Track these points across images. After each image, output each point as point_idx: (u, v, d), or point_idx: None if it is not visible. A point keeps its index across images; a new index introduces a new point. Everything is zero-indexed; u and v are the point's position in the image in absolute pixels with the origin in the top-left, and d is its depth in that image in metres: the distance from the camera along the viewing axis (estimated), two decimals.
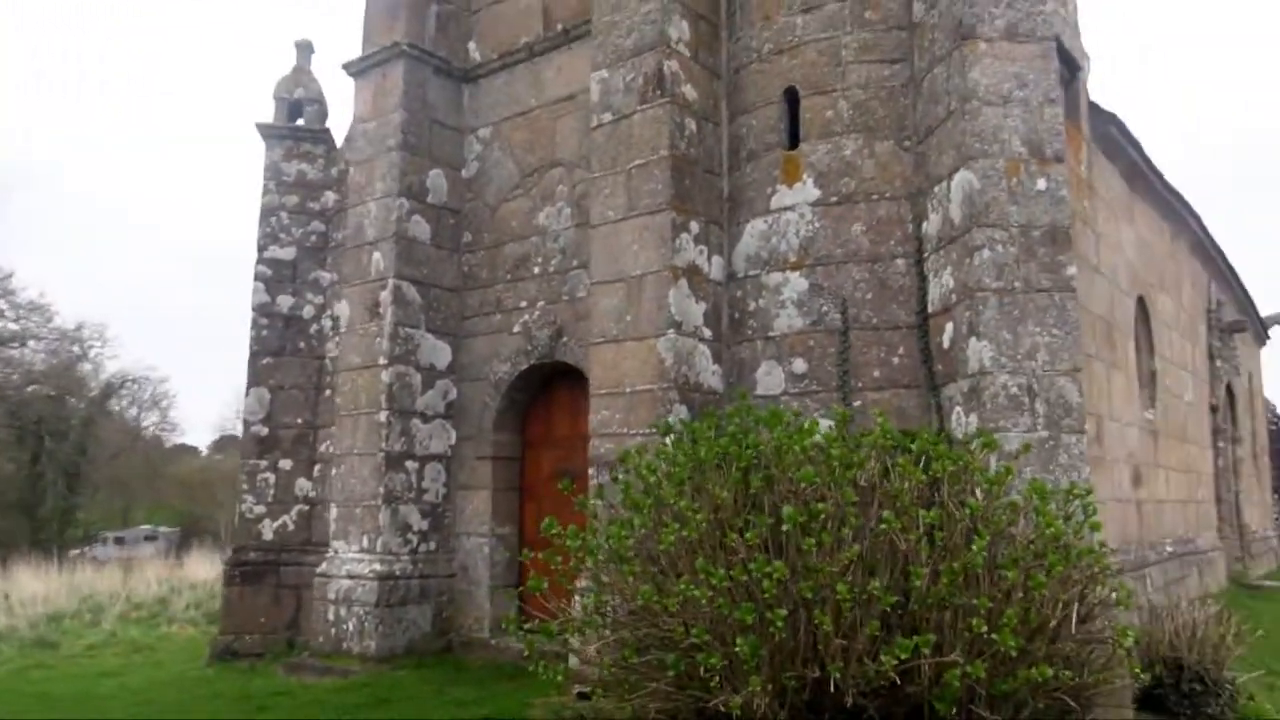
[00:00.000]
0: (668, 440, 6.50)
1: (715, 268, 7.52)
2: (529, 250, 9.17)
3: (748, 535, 4.74)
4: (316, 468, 10.83)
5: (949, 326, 6.37)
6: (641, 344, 7.15)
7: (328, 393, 10.90)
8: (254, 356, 11.00)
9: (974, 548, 4.53)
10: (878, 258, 6.88)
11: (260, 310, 11.06)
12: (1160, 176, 10.88)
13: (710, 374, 7.36)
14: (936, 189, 6.58)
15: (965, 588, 4.61)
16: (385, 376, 8.95)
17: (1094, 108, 8.57)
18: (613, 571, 5.51)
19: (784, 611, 4.52)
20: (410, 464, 9.05)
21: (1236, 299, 16.71)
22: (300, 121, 11.60)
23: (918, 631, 4.61)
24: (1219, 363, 14.54)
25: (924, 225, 6.77)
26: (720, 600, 4.72)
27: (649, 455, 5.74)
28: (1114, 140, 9.44)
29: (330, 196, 11.36)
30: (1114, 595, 5.01)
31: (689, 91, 7.51)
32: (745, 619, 4.64)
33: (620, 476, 6.20)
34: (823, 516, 4.71)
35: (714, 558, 4.94)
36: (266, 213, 11.26)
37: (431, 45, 9.69)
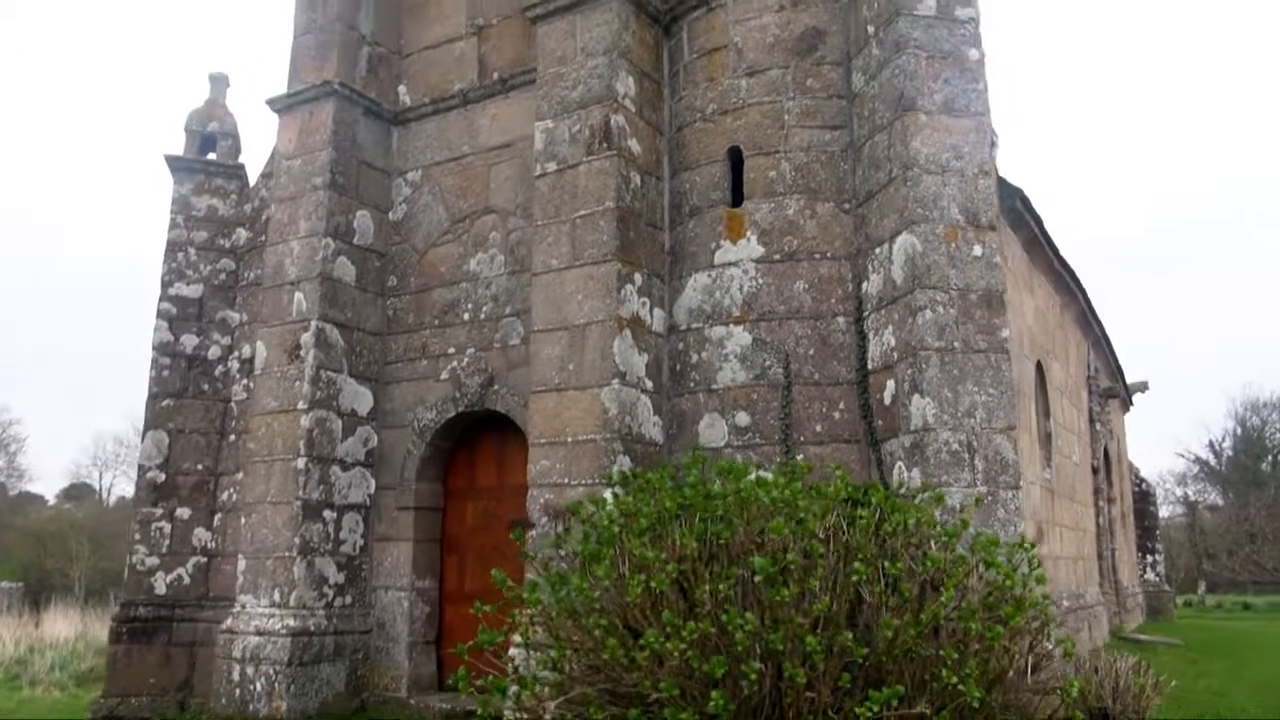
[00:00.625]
0: (612, 492, 6.47)
1: (657, 320, 7.58)
2: (459, 296, 9.04)
3: (721, 586, 4.72)
4: (217, 517, 10.26)
5: (890, 384, 6.58)
6: (585, 393, 7.11)
7: (232, 438, 10.40)
8: (153, 398, 10.41)
9: (943, 599, 4.64)
10: (819, 315, 7.07)
11: (162, 349, 10.51)
12: (1055, 250, 11.60)
13: (651, 425, 7.37)
14: (877, 250, 6.83)
15: (929, 639, 4.71)
16: (305, 421, 8.60)
17: (1002, 181, 9.10)
18: (568, 625, 5.40)
19: (758, 664, 4.51)
20: (328, 513, 8.68)
21: (1109, 367, 17.83)
22: (212, 155, 11.21)
23: (883, 682, 4.67)
24: (1098, 426, 15.44)
25: (864, 285, 7.00)
26: (691, 653, 4.67)
27: (609, 504, 5.67)
28: (1018, 213, 10.03)
29: (242, 234, 10.96)
30: (1059, 647, 5.20)
31: (634, 145, 7.62)
32: (716, 672, 4.61)
33: (572, 527, 6.12)
34: (792, 567, 4.75)
35: (680, 610, 4.90)
36: (173, 248, 10.77)
37: (362, 86, 9.55)
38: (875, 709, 4.46)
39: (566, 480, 7.05)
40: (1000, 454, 6.19)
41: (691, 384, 7.39)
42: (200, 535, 10.21)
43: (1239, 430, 44.54)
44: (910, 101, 6.62)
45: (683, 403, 7.46)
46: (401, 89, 9.97)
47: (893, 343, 6.57)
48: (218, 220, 10.95)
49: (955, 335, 6.29)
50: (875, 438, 6.72)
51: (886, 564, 4.89)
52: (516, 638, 5.77)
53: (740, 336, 7.18)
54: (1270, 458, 44.21)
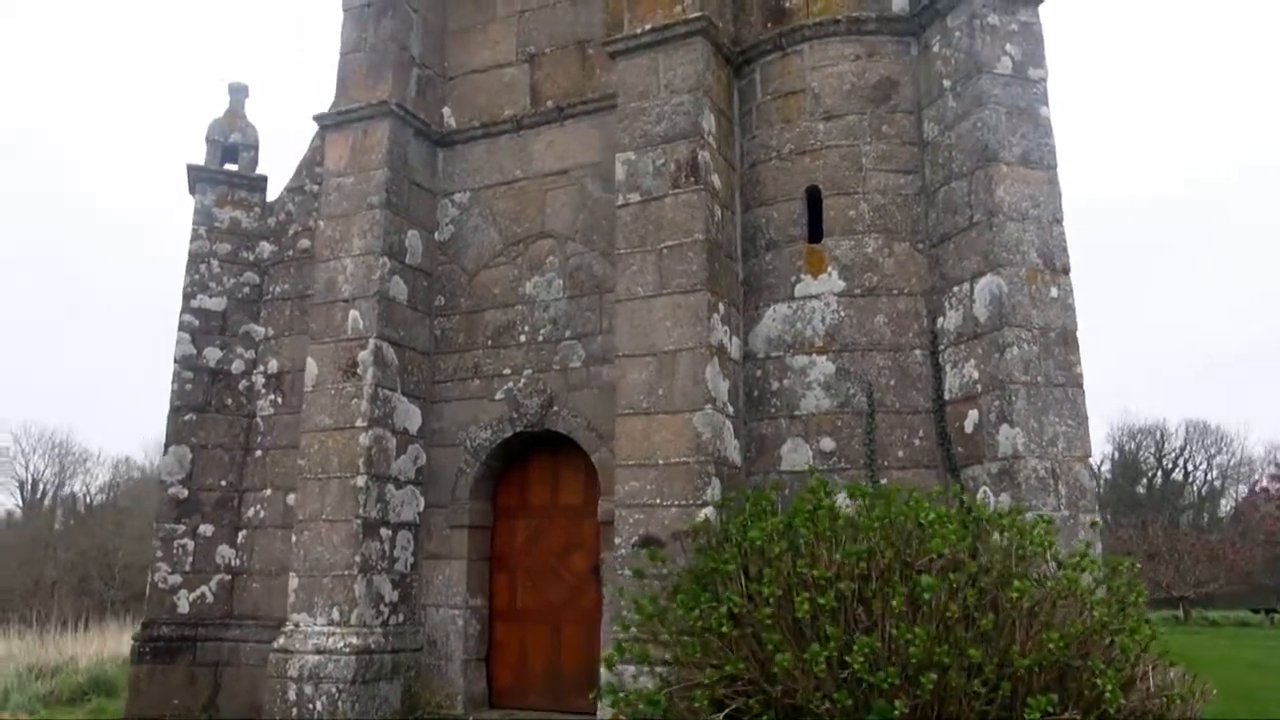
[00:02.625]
0: (709, 512, 6.80)
1: (734, 347, 7.93)
2: (514, 318, 9.19)
3: (894, 602, 5.08)
4: (241, 534, 10.08)
5: (973, 413, 7.07)
6: (676, 417, 7.38)
7: (258, 453, 10.24)
8: (175, 412, 10.17)
9: (1095, 614, 5.11)
10: (899, 347, 7.54)
11: (184, 363, 10.28)
12: None
13: (733, 449, 7.70)
14: (955, 289, 7.34)
15: (1073, 650, 5.17)
16: (364, 439, 8.60)
17: None
18: (711, 640, 5.66)
19: (934, 675, 4.88)
20: (384, 531, 8.68)
21: None
22: (231, 167, 11.05)
23: (1031, 692, 5.10)
24: None
25: (939, 320, 7.50)
26: (861, 664, 5.01)
27: (752, 526, 5.97)
28: None
29: (266, 247, 10.82)
30: (1163, 658, 5.74)
31: (716, 180, 7.97)
32: (887, 683, 4.96)
33: (697, 544, 6.41)
34: (954, 586, 5.15)
35: (843, 624, 5.23)
36: (195, 259, 10.57)
37: (413, 107, 9.63)
38: (1036, 716, 4.88)
39: (658, 501, 7.29)
40: (1079, 480, 6.75)
41: (772, 410, 7.75)
42: (224, 553, 10.01)
43: (1117, 455, 47.38)
44: (993, 153, 7.17)
45: (761, 427, 7.80)
46: (446, 111, 10.07)
47: (975, 375, 7.07)
48: (241, 233, 10.79)
49: (1039, 370, 6.84)
50: (955, 464, 7.20)
51: (1017, 582, 5.33)
52: (653, 651, 6.01)
53: (824, 366, 7.58)
54: (1145, 480, 47.23)
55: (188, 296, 10.45)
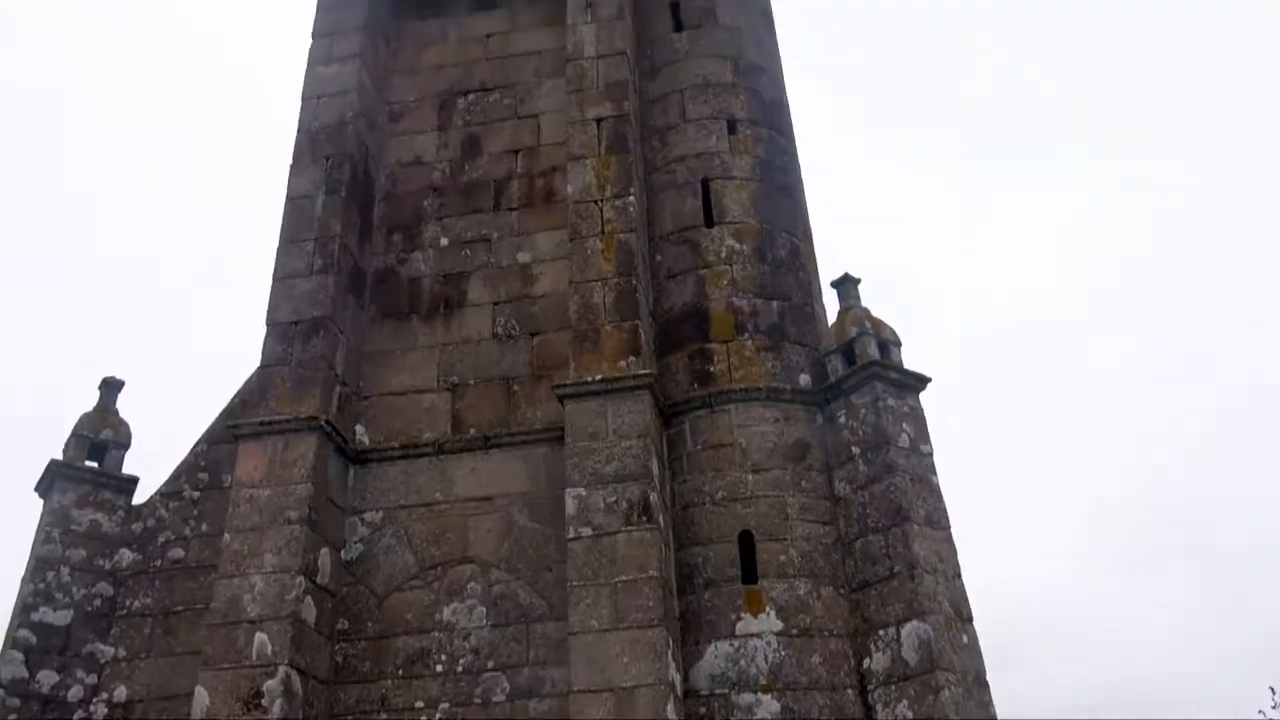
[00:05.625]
0: None
1: (677, 682, 8.19)
2: (429, 646, 8.92)
3: None
4: None
5: None
6: None
7: None
8: None
9: None
10: (834, 686, 8.16)
11: (11, 688, 8.85)
12: None
13: None
14: (881, 633, 8.21)
15: None
16: None
17: None
18: None
19: None
20: None
21: None
22: (96, 465, 10.28)
23: None
24: None
25: (865, 661, 8.27)
26: None
27: None
28: None
29: (127, 555, 9.89)
30: None
31: (663, 519, 8.61)
32: None
33: None
34: None
35: None
36: (43, 565, 9.46)
37: (335, 423, 9.69)
38: None
39: None
40: None
41: None
42: None
43: None
44: (906, 513, 8.42)
45: None
46: (359, 428, 10.19)
47: (910, 715, 7.78)
48: (100, 537, 9.85)
49: (965, 710, 7.67)
50: None
51: None
52: None
53: (769, 704, 8.00)
54: None
55: (28, 609, 9.22)
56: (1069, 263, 50.10)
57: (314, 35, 12.21)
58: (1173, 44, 52.46)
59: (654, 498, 8.47)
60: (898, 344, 9.56)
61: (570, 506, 8.56)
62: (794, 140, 11.89)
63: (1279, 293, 43.48)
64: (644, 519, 8.35)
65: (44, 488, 10.03)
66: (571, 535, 8.43)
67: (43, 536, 9.60)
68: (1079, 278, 49.72)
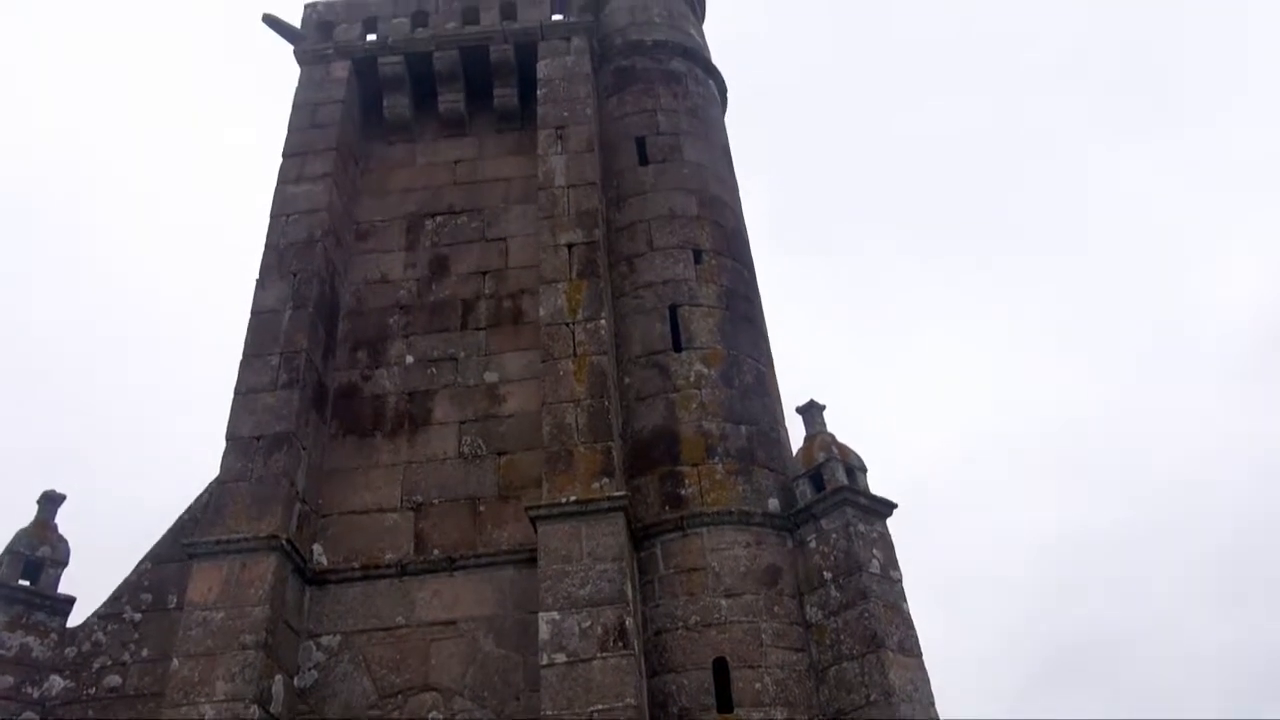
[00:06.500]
0: None
1: None
2: None
3: None
4: None
5: None
6: None
7: None
8: None
9: None
10: None
11: None
12: None
13: None
14: None
15: None
16: None
17: None
18: None
19: None
20: None
21: None
22: (29, 583, 9.70)
23: None
24: None
25: None
26: None
27: None
28: None
29: (58, 682, 9.26)
30: None
31: (638, 645, 8.45)
32: None
33: None
34: None
35: None
36: None
37: (294, 541, 9.38)
38: None
39: None
40: None
41: None
42: None
43: None
44: (881, 640, 8.43)
45: None
46: (317, 548, 9.87)
47: None
48: (29, 663, 9.22)
49: None
50: None
51: None
52: None
53: None
54: None
55: None
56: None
57: (285, 155, 12.38)
58: None
59: (630, 623, 8.34)
60: (863, 469, 9.77)
61: (544, 631, 8.36)
62: (754, 270, 12.32)
63: None
64: (620, 645, 8.19)
65: None
66: (545, 662, 8.20)
67: None
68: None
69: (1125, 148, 55.32)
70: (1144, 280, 53.28)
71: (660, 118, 12.89)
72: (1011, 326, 53.78)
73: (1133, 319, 51.84)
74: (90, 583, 10.32)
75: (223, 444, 9.80)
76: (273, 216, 11.73)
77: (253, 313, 10.82)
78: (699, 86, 13.70)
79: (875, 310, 55.87)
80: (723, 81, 14.47)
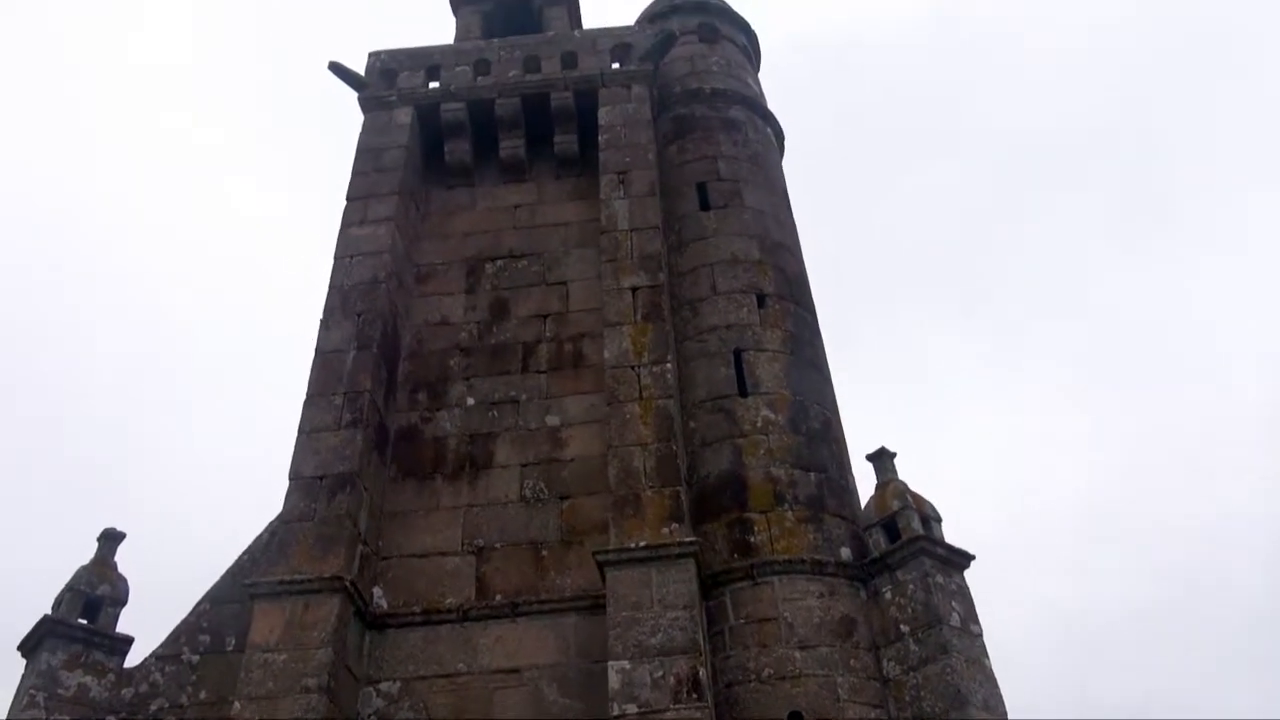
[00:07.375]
0: None
1: None
2: None
3: None
4: None
5: None
6: None
7: None
8: None
9: None
10: None
11: None
12: None
13: None
14: None
15: None
16: None
17: None
18: None
19: None
20: None
21: None
22: (87, 622, 9.59)
23: None
24: None
25: None
26: None
27: None
28: None
29: None
30: None
31: (710, 698, 8.15)
32: None
33: None
34: None
35: None
36: None
37: (356, 583, 9.22)
38: None
39: None
40: None
41: None
42: None
43: None
44: (964, 698, 8.08)
45: None
46: (377, 591, 9.70)
47: None
48: (87, 703, 9.06)
49: None
50: None
51: None
52: None
53: None
54: None
55: None
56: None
57: (349, 198, 12.46)
58: None
59: (703, 673, 8.06)
60: (938, 519, 9.49)
61: (614, 680, 8.09)
62: (816, 315, 12.17)
63: None
64: (694, 695, 7.90)
65: (29, 646, 9.30)
66: (615, 712, 7.92)
67: (25, 700, 8.80)
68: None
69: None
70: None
71: (721, 164, 12.89)
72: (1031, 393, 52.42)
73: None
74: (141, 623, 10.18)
75: (274, 484, 9.72)
76: (337, 258, 11.77)
77: (317, 352, 10.79)
78: (758, 134, 13.72)
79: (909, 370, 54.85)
80: (779, 128, 14.50)
